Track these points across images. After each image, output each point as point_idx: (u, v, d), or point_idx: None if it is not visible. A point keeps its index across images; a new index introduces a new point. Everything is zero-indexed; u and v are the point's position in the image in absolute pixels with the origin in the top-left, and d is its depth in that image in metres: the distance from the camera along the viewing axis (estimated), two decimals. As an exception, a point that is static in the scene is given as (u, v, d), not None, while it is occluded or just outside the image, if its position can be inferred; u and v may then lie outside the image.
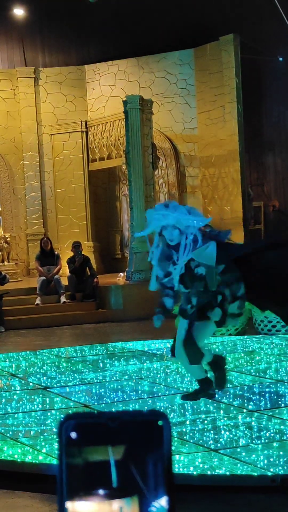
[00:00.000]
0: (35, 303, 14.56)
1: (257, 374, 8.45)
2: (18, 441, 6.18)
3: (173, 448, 1.01)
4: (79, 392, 7.94)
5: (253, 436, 6.04)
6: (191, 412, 6.80)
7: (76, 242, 15.52)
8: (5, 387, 8.60)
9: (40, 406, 7.37)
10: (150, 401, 7.38)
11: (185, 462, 5.47)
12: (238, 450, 5.71)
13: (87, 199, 17.55)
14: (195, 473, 5.27)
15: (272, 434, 6.07)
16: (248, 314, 11.36)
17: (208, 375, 7.22)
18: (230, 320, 7.06)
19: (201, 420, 6.56)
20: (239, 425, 6.38)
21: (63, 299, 14.71)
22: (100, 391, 7.91)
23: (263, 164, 18.45)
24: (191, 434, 6.15)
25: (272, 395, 7.36)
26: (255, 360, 9.33)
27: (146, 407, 6.92)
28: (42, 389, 8.10)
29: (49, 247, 15.62)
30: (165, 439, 0.99)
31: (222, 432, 6.18)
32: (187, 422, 6.50)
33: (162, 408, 6.94)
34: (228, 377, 7.34)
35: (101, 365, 9.48)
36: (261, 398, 7.21)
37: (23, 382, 8.64)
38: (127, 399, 7.46)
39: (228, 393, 7.49)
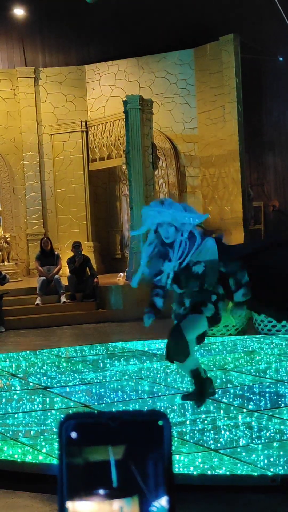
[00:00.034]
0: (35, 303, 14.56)
1: (257, 374, 8.45)
2: (18, 441, 6.18)
3: (173, 448, 1.01)
4: (79, 392, 7.94)
5: (253, 436, 6.04)
6: (191, 412, 6.80)
7: (76, 242, 15.53)
8: (5, 387, 8.60)
9: (40, 406, 7.37)
10: (150, 401, 7.39)
11: (185, 462, 5.47)
12: (238, 450, 5.71)
13: (87, 199, 17.55)
14: (195, 473, 5.28)
15: (272, 434, 6.07)
16: (248, 314, 11.36)
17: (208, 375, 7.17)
18: (236, 310, 6.83)
19: (201, 420, 6.56)
20: (239, 425, 6.38)
21: (63, 299, 14.71)
22: (100, 391, 7.91)
23: (263, 164, 18.45)
24: (191, 434, 6.15)
25: (272, 395, 7.36)
26: (255, 360, 9.33)
27: (146, 407, 6.92)
28: (42, 389, 8.10)
29: (49, 247, 15.62)
30: (166, 439, 0.99)
31: (222, 432, 6.19)
32: (187, 422, 6.50)
33: (162, 408, 6.94)
34: (207, 399, 6.82)
35: (101, 365, 9.48)
36: (261, 398, 7.21)
37: (23, 382, 8.64)
38: (127, 399, 7.46)
39: (228, 393, 7.49)
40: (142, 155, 15.23)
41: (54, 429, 6.38)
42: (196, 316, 6.58)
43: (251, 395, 7.35)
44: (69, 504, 0.98)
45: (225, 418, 6.60)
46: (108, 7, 16.80)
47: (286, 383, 7.87)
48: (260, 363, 9.11)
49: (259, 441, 5.89)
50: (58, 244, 17.10)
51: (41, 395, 7.81)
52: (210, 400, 7.18)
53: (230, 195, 16.64)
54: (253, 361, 9.26)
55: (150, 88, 17.49)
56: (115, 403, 7.33)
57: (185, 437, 6.07)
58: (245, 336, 11.16)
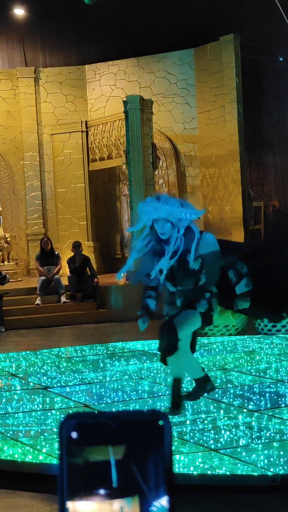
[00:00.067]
0: (35, 303, 14.56)
1: (257, 374, 8.45)
2: (19, 441, 6.19)
3: (173, 448, 1.01)
4: (80, 392, 7.94)
5: (253, 436, 6.04)
6: (191, 412, 6.80)
7: (76, 242, 15.53)
8: (5, 387, 8.60)
9: (40, 406, 7.37)
10: (150, 401, 7.39)
11: (186, 462, 5.47)
12: (239, 450, 5.71)
13: (87, 199, 17.55)
14: (195, 473, 5.28)
15: (272, 434, 6.07)
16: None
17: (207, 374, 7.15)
18: (240, 301, 6.74)
19: (201, 420, 6.56)
20: (239, 425, 6.38)
21: (63, 299, 14.71)
22: (101, 391, 7.91)
23: (263, 164, 18.45)
24: (191, 434, 6.16)
25: (272, 395, 7.36)
26: (255, 360, 9.33)
27: (146, 407, 6.92)
28: (43, 389, 8.10)
29: (49, 247, 15.62)
30: (166, 439, 0.99)
31: (222, 432, 6.19)
32: (188, 422, 6.50)
33: (163, 408, 6.94)
34: (182, 403, 6.74)
35: (101, 365, 9.48)
36: (261, 398, 7.21)
37: (23, 382, 8.64)
38: (127, 399, 7.46)
39: (228, 393, 7.50)
40: (142, 155, 15.23)
41: (54, 429, 6.38)
42: (189, 312, 6.50)
43: (251, 395, 7.35)
44: (70, 504, 0.98)
45: (225, 418, 6.60)
46: (108, 7, 16.80)
47: (286, 383, 7.87)
48: (260, 363, 9.11)
49: (259, 441, 5.89)
50: (58, 244, 17.11)
51: (41, 395, 7.81)
52: (210, 400, 7.19)
53: (230, 195, 16.64)
54: (253, 361, 9.26)
55: (150, 88, 17.49)
56: (115, 403, 7.33)
57: (185, 437, 6.07)
58: (245, 336, 11.16)
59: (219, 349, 10.17)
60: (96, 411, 6.38)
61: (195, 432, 6.19)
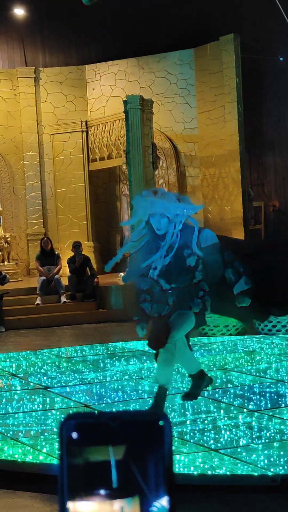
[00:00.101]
0: (36, 303, 14.56)
1: (258, 374, 8.45)
2: (19, 441, 6.19)
3: (173, 448, 1.01)
4: (80, 392, 7.94)
5: (254, 436, 6.04)
6: (191, 412, 6.80)
7: (77, 242, 15.53)
8: (5, 387, 8.60)
9: (40, 406, 7.37)
10: (150, 401, 7.38)
11: (186, 462, 5.47)
12: (239, 450, 5.71)
13: (88, 199, 17.55)
14: (195, 473, 5.28)
15: (272, 434, 6.07)
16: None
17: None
18: (240, 298, 6.54)
19: (201, 420, 6.56)
20: (239, 425, 6.38)
21: (63, 299, 14.71)
22: (101, 391, 7.91)
23: (263, 164, 18.45)
24: (191, 434, 6.16)
25: (273, 395, 7.36)
26: (256, 360, 9.33)
27: (146, 407, 6.92)
28: (43, 389, 8.10)
29: (49, 247, 15.62)
30: (166, 439, 0.99)
31: (223, 432, 6.19)
32: (188, 422, 6.50)
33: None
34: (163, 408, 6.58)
35: (101, 365, 9.48)
36: (262, 398, 7.21)
37: (23, 382, 8.64)
38: (127, 399, 7.46)
39: (228, 393, 7.50)
40: (142, 155, 15.23)
41: (55, 429, 6.38)
42: (183, 314, 6.32)
43: (252, 395, 7.35)
44: (70, 504, 0.98)
45: (226, 418, 6.60)
46: (108, 7, 16.80)
47: (286, 383, 7.87)
48: (260, 363, 9.11)
49: (259, 441, 5.89)
50: (58, 244, 17.10)
51: (41, 395, 7.81)
52: (210, 400, 7.19)
53: (230, 195, 16.65)
54: (253, 361, 9.26)
55: (150, 88, 17.49)
56: (116, 403, 7.33)
57: (185, 437, 6.07)
58: (246, 336, 11.16)
59: (219, 349, 10.17)
60: (96, 411, 6.37)
61: (195, 432, 6.20)
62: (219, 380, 8.13)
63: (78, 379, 8.60)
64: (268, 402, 7.06)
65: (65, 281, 14.91)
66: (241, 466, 5.36)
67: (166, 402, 7.13)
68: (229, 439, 5.99)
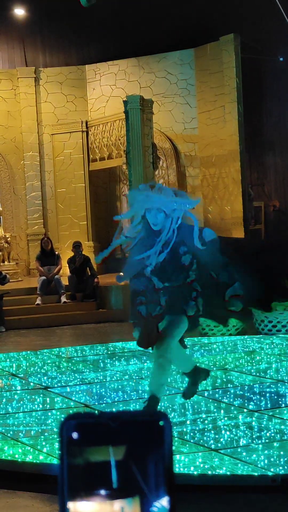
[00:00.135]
0: (36, 303, 14.56)
1: (258, 374, 8.45)
2: (19, 441, 6.19)
3: (173, 448, 1.01)
4: (80, 392, 7.94)
5: (254, 436, 6.04)
6: (191, 412, 6.80)
7: (77, 242, 15.53)
8: (5, 387, 8.60)
9: (40, 406, 7.37)
10: (150, 401, 7.38)
11: (186, 462, 5.47)
12: (239, 450, 5.72)
13: (88, 199, 17.55)
14: (195, 473, 5.28)
15: (272, 434, 6.07)
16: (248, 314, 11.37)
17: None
18: (232, 303, 6.26)
19: (201, 420, 6.56)
20: (239, 425, 6.38)
21: (63, 299, 14.71)
22: (101, 391, 7.91)
23: (264, 164, 18.45)
24: (191, 434, 6.16)
25: (273, 395, 7.36)
26: (256, 360, 9.33)
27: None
28: (43, 389, 8.10)
29: (50, 247, 15.62)
30: (166, 439, 0.99)
31: (223, 432, 6.19)
32: (188, 422, 6.50)
33: (163, 408, 6.94)
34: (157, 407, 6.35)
35: (101, 365, 9.48)
36: (262, 398, 7.21)
37: (23, 382, 8.64)
38: (127, 399, 7.46)
39: (228, 393, 7.50)
40: (142, 155, 15.23)
41: (55, 429, 6.38)
42: (177, 319, 6.10)
43: (252, 395, 7.35)
44: (70, 505, 0.98)
45: (226, 418, 6.60)
46: (108, 7, 16.80)
47: (286, 383, 7.87)
48: (260, 363, 9.11)
49: (259, 441, 5.89)
50: (58, 244, 17.10)
51: (41, 395, 7.81)
52: (210, 400, 7.19)
53: (230, 195, 16.64)
54: (253, 361, 9.26)
55: (151, 88, 17.49)
56: (116, 403, 7.33)
57: (185, 437, 6.07)
58: (246, 336, 11.16)
59: (219, 349, 10.17)
60: (96, 411, 6.36)
61: (196, 432, 6.19)
62: (219, 380, 8.14)
63: (78, 379, 8.60)
64: (268, 402, 7.06)
65: (65, 281, 14.91)
66: (241, 466, 5.36)
67: (166, 402, 7.13)
68: (229, 439, 5.99)
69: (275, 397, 7.27)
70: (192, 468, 5.34)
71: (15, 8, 17.65)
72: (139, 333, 6.24)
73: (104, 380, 8.48)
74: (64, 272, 15.40)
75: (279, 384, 7.84)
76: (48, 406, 7.37)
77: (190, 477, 5.20)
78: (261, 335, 11.13)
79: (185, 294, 6.10)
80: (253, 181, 18.37)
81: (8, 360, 10.17)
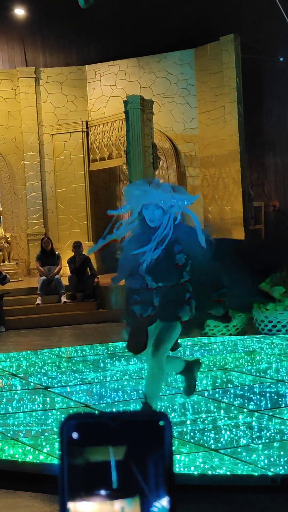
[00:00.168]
0: (36, 303, 14.56)
1: (258, 374, 8.45)
2: (19, 441, 6.19)
3: (173, 448, 1.01)
4: (80, 392, 7.94)
5: (254, 436, 6.04)
6: (191, 412, 6.81)
7: (77, 242, 15.53)
8: (6, 386, 8.60)
9: (41, 406, 7.37)
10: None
11: (186, 462, 5.47)
12: (239, 450, 5.72)
13: (88, 199, 17.55)
14: (195, 473, 5.28)
15: (272, 434, 6.07)
16: (249, 314, 11.37)
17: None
18: (216, 307, 6.08)
19: (201, 420, 6.56)
20: (239, 425, 6.38)
21: (63, 299, 14.71)
22: (101, 391, 7.91)
23: (264, 164, 18.44)
24: (191, 434, 6.15)
25: (273, 395, 7.36)
26: (256, 360, 9.33)
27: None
28: (43, 389, 8.10)
29: (50, 247, 15.63)
30: (166, 439, 0.99)
31: (223, 432, 6.19)
32: (188, 422, 6.50)
33: (163, 408, 6.94)
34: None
35: (101, 365, 9.48)
36: (262, 398, 7.21)
37: (24, 382, 8.64)
38: (127, 399, 7.46)
39: (228, 393, 7.50)
40: (142, 155, 15.23)
41: (55, 429, 6.38)
42: (171, 325, 5.91)
43: (252, 395, 7.35)
44: (71, 505, 0.98)
45: (226, 418, 6.60)
46: (108, 7, 16.80)
47: (286, 383, 7.87)
48: (260, 363, 9.11)
49: (259, 441, 5.89)
50: (58, 244, 17.10)
51: (41, 395, 7.81)
52: (210, 400, 7.19)
53: (230, 195, 16.64)
54: (253, 361, 9.26)
55: (151, 88, 17.49)
56: (116, 403, 7.33)
57: (185, 437, 6.07)
58: (246, 336, 11.16)
59: (219, 349, 10.17)
60: (96, 411, 6.36)
61: (196, 432, 6.19)
62: (219, 380, 8.14)
63: (79, 379, 8.60)
64: (268, 402, 7.06)
65: (65, 281, 14.91)
66: (241, 466, 5.36)
67: (166, 402, 7.14)
68: (229, 439, 5.99)
69: (275, 397, 7.27)
70: (192, 468, 5.34)
71: (15, 8, 17.65)
72: (129, 337, 6.10)
73: (104, 380, 8.48)
74: (64, 272, 15.40)
75: (279, 384, 7.84)
76: (48, 406, 7.37)
77: (190, 477, 5.20)
78: (261, 335, 11.13)
79: (179, 296, 5.92)
80: (253, 181, 18.37)
81: (8, 360, 10.17)
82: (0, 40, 18.01)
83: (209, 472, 5.31)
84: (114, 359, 9.78)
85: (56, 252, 15.69)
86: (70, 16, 17.59)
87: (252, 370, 8.65)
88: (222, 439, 5.97)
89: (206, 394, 7.45)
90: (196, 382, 6.66)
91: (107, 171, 17.79)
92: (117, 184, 18.12)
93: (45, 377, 8.76)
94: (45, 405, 7.42)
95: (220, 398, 7.27)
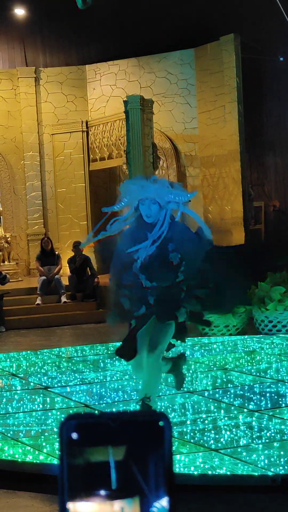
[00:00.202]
0: (36, 303, 14.56)
1: (258, 374, 8.45)
2: (19, 441, 6.18)
3: (173, 448, 1.01)
4: (80, 392, 7.94)
5: (254, 436, 6.04)
6: (191, 412, 6.80)
7: (77, 242, 15.52)
8: (6, 387, 8.60)
9: (40, 406, 7.37)
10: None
11: (186, 462, 5.47)
12: (239, 450, 5.71)
13: (88, 199, 17.55)
14: (195, 473, 5.28)
15: (272, 434, 6.07)
16: (249, 313, 11.37)
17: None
18: (193, 304, 5.99)
19: (201, 420, 6.56)
20: (239, 425, 6.38)
21: (63, 299, 14.71)
22: (101, 391, 7.91)
23: (264, 164, 18.45)
24: (191, 434, 6.15)
25: (273, 395, 7.36)
26: (256, 360, 9.33)
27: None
28: (43, 389, 8.10)
29: (50, 247, 15.62)
30: (166, 439, 0.99)
31: (223, 432, 6.19)
32: (188, 422, 6.50)
33: (163, 408, 6.94)
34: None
35: (101, 364, 9.48)
36: (262, 398, 7.21)
37: (24, 382, 8.64)
38: (127, 399, 7.46)
39: (229, 392, 7.49)
40: (142, 155, 15.23)
41: (55, 429, 6.38)
42: (166, 326, 5.83)
43: (252, 395, 7.35)
44: (70, 505, 0.98)
45: (226, 418, 6.59)
46: (108, 7, 16.80)
47: (286, 383, 7.87)
48: (260, 363, 9.11)
49: (259, 441, 5.89)
50: (58, 244, 17.10)
51: (41, 395, 7.81)
52: (210, 400, 7.19)
53: (230, 195, 16.64)
54: (253, 361, 9.26)
55: (151, 88, 17.49)
56: (116, 403, 7.32)
57: (185, 437, 6.07)
58: (246, 336, 11.16)
59: (219, 349, 10.17)
60: (96, 411, 6.36)
61: (196, 432, 6.19)
62: (219, 380, 8.14)
63: (79, 379, 8.60)
64: (269, 402, 7.06)
65: (65, 281, 14.91)
66: (241, 466, 5.36)
67: (166, 402, 7.13)
68: (229, 439, 5.99)
69: (275, 397, 7.27)
70: (192, 468, 5.34)
71: (15, 8, 17.65)
72: (120, 345, 6.07)
73: (104, 380, 8.48)
74: (64, 272, 15.40)
75: (279, 384, 7.84)
76: (48, 406, 7.37)
77: (190, 477, 5.20)
78: (261, 335, 11.13)
79: (175, 297, 5.85)
80: (253, 181, 18.37)
81: (8, 360, 10.17)
82: (0, 40, 18.01)
83: (209, 472, 5.31)
84: (114, 359, 9.77)
85: (56, 252, 15.69)
86: (70, 16, 17.58)
87: (252, 370, 8.65)
88: (222, 439, 5.97)
89: (206, 394, 7.45)
90: (184, 376, 6.64)
91: (107, 171, 17.79)
92: (117, 184, 18.09)
93: (45, 377, 8.76)
94: (45, 405, 7.42)
95: (220, 398, 7.27)
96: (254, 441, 5.90)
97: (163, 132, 17.18)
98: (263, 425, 6.32)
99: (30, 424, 6.73)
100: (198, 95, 17.27)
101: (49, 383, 8.39)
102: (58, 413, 7.02)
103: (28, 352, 10.72)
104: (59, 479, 0.99)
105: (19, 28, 17.81)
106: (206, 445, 5.84)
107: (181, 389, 6.72)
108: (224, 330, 11.28)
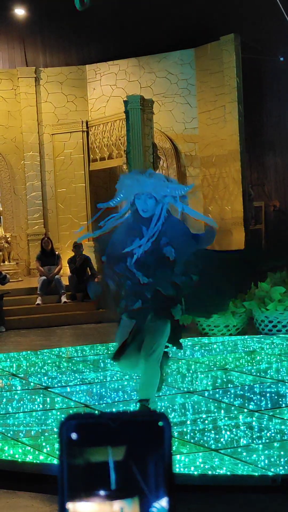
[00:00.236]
0: (36, 303, 14.56)
1: (258, 374, 8.45)
2: (19, 441, 6.18)
3: (173, 448, 1.01)
4: (80, 392, 7.94)
5: (254, 436, 6.04)
6: (191, 412, 6.80)
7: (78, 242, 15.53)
8: (6, 387, 8.60)
9: (41, 406, 7.37)
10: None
11: (186, 462, 5.47)
12: (239, 450, 5.71)
13: (88, 199, 17.55)
14: (195, 473, 5.27)
15: (273, 434, 6.07)
16: (249, 313, 11.37)
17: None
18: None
19: (201, 420, 6.56)
20: (240, 425, 6.38)
21: (63, 299, 14.71)
22: (101, 391, 7.91)
23: (264, 164, 18.45)
24: (191, 434, 6.15)
25: (273, 395, 7.36)
26: (256, 360, 9.33)
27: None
28: (43, 389, 8.10)
29: (50, 247, 15.63)
30: (166, 439, 0.99)
31: (223, 432, 6.18)
32: (188, 422, 6.50)
33: (163, 408, 6.94)
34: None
35: (102, 365, 9.48)
36: (262, 398, 7.21)
37: (24, 382, 8.64)
38: (128, 399, 7.46)
39: (229, 393, 7.49)
40: (142, 155, 15.23)
41: (55, 429, 6.38)
42: (163, 325, 5.79)
43: (252, 395, 7.35)
44: (70, 505, 0.98)
45: (226, 418, 6.59)
46: (108, 7, 16.80)
47: (287, 383, 7.87)
48: (260, 363, 9.11)
49: (259, 441, 5.88)
50: (58, 244, 17.11)
51: (41, 395, 7.81)
52: (210, 400, 7.19)
53: (230, 195, 16.64)
54: (253, 361, 9.26)
55: (151, 88, 17.50)
56: (116, 403, 7.32)
57: (185, 437, 6.07)
58: (246, 336, 11.16)
59: (219, 349, 10.17)
60: (96, 411, 6.35)
61: (196, 432, 6.19)
62: (219, 380, 8.14)
63: (79, 379, 8.60)
64: (269, 402, 7.06)
65: (65, 281, 14.92)
66: (241, 466, 5.36)
67: (166, 402, 7.13)
68: (229, 439, 5.99)
69: (276, 397, 7.27)
70: (192, 468, 5.33)
71: (15, 8, 17.65)
72: (115, 347, 6.00)
73: (104, 380, 8.48)
74: (65, 272, 15.40)
75: (279, 384, 7.84)
76: (48, 406, 7.37)
77: (190, 477, 5.20)
78: (261, 335, 11.13)
79: (172, 293, 5.80)
80: (253, 181, 18.37)
81: (8, 360, 10.17)
82: (0, 40, 18.01)
83: (209, 472, 5.31)
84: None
85: (56, 252, 15.70)
86: (70, 16, 17.58)
87: (253, 370, 8.65)
88: (222, 439, 5.97)
89: (206, 394, 7.45)
90: (165, 377, 6.58)
91: (107, 171, 17.79)
92: (117, 184, 18.11)
93: (45, 377, 8.76)
94: (45, 405, 7.42)
95: (220, 398, 7.27)
96: (254, 441, 5.90)
97: (163, 132, 17.19)
98: (263, 425, 6.32)
99: (30, 424, 6.73)
100: (198, 95, 17.27)
101: (49, 383, 8.39)
102: (58, 413, 7.02)
103: (28, 352, 10.72)
104: (59, 479, 0.99)
105: (19, 28, 17.81)
106: (206, 445, 5.84)
107: (160, 390, 6.52)
108: (224, 330, 11.28)
